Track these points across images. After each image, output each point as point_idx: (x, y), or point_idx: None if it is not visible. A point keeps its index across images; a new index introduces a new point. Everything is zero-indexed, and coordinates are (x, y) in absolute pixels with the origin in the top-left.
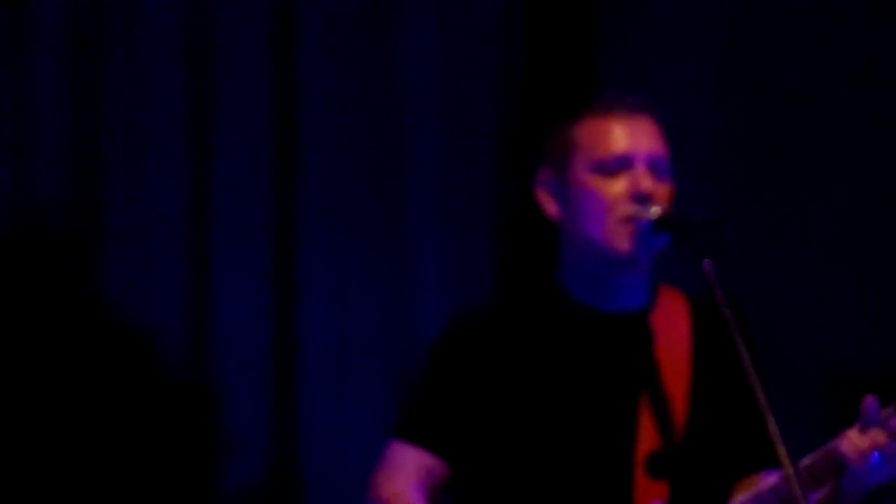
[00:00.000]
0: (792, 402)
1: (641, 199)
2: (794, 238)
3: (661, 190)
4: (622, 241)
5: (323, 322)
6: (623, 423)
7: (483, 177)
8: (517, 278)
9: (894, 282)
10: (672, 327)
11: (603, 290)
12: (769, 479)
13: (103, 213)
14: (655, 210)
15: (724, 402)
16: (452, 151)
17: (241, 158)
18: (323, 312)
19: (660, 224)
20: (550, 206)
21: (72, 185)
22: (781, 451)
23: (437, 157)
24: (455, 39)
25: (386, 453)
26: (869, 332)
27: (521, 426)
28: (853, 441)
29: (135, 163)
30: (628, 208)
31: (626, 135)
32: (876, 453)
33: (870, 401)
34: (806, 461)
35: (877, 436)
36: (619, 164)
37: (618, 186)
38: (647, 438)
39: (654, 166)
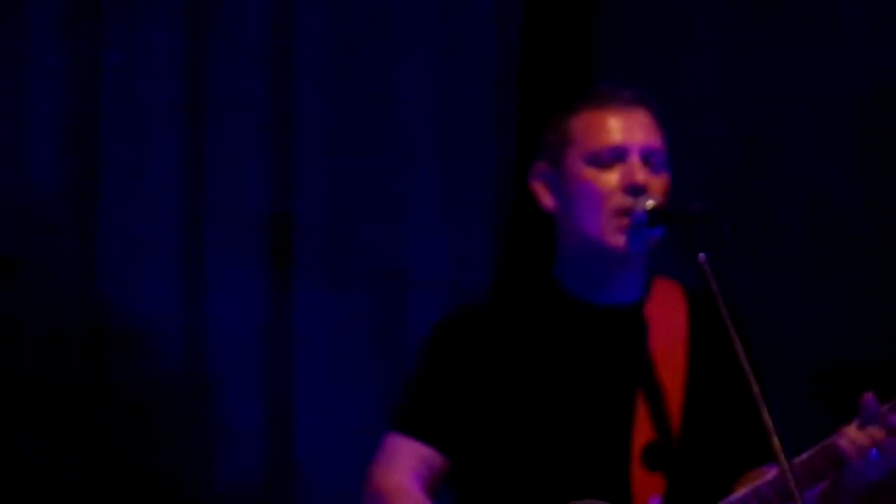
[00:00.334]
0: (789, 397)
1: (635, 191)
2: (792, 231)
3: (656, 182)
4: (616, 234)
5: (319, 316)
6: (619, 415)
7: (481, 174)
8: (514, 272)
9: (894, 276)
10: (668, 320)
11: (598, 283)
12: (768, 475)
13: (98, 208)
14: (649, 202)
15: (721, 394)
16: (449, 148)
17: (239, 155)
18: (319, 307)
19: (654, 216)
20: (546, 199)
21: (69, 181)
22: (776, 443)
23: (435, 154)
24: (452, 33)
25: (383, 445)
26: (867, 326)
27: (517, 418)
28: (852, 437)
29: (131, 157)
30: (622, 200)
31: (620, 127)
32: (875, 449)
33: (869, 397)
34: (805, 457)
35: (876, 432)
36: (613, 156)
37: (612, 178)
38: (643, 431)
39: (648, 159)
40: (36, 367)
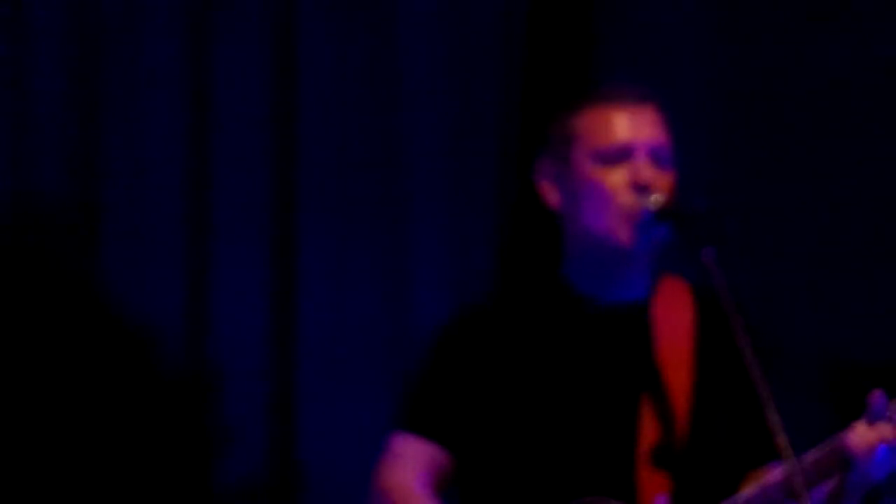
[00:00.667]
0: (797, 394)
1: (641, 188)
2: (797, 227)
3: (663, 180)
4: (622, 232)
5: (322, 316)
6: (625, 414)
7: (484, 173)
8: (519, 271)
9: None
10: (675, 318)
11: (605, 281)
12: (775, 473)
13: (102, 207)
14: (656, 200)
15: (728, 393)
16: (453, 147)
17: (241, 155)
18: (322, 307)
19: (660, 214)
20: (552, 197)
21: (71, 178)
22: (782, 442)
23: (438, 153)
24: (455, 33)
25: (390, 445)
26: (875, 323)
27: (523, 417)
28: (860, 434)
29: (133, 157)
30: (628, 198)
31: (627, 125)
32: (883, 447)
33: (878, 394)
34: (812, 454)
35: (884, 430)
36: (619, 154)
37: (618, 176)
38: (649, 430)
39: (655, 156)
40: (39, 368)
